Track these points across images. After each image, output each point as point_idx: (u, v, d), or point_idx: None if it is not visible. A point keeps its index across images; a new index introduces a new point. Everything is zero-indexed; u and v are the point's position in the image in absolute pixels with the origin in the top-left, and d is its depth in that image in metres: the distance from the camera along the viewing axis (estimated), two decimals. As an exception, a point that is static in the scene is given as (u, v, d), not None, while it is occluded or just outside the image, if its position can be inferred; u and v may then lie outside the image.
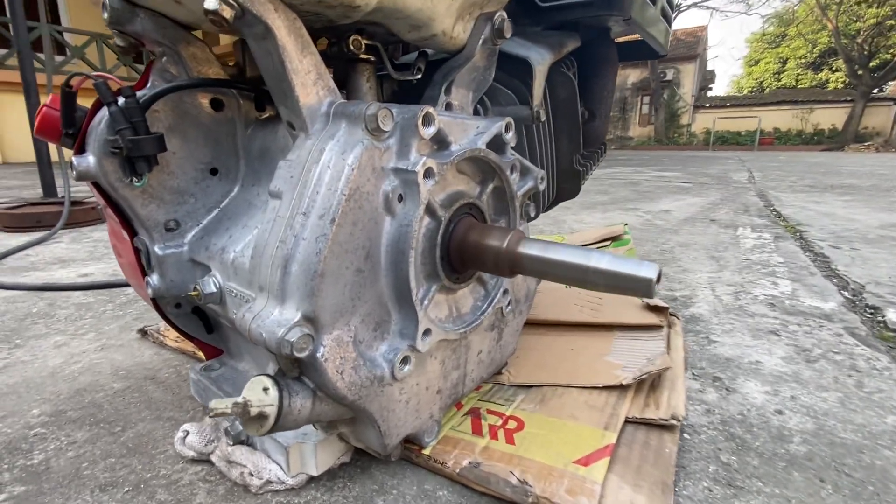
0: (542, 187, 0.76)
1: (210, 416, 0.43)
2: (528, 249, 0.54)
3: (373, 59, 0.59)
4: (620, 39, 0.99)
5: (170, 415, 0.75)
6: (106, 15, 0.54)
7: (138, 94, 0.55)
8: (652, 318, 0.96)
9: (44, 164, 2.50)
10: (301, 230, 0.46)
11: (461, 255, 0.59)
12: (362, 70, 0.59)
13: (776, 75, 28.37)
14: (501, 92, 0.77)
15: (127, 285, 1.39)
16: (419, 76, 0.63)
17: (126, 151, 0.52)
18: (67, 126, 0.55)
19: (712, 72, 25.24)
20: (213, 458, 0.62)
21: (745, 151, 14.98)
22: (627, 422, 0.70)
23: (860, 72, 17.32)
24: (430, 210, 0.56)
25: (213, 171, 0.65)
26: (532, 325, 1.02)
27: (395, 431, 0.57)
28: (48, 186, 2.54)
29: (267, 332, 0.44)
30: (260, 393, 0.45)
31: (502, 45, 0.76)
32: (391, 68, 0.60)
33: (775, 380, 0.87)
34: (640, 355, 0.85)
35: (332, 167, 0.47)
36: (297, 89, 0.48)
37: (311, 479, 0.60)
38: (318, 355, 0.46)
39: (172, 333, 1.01)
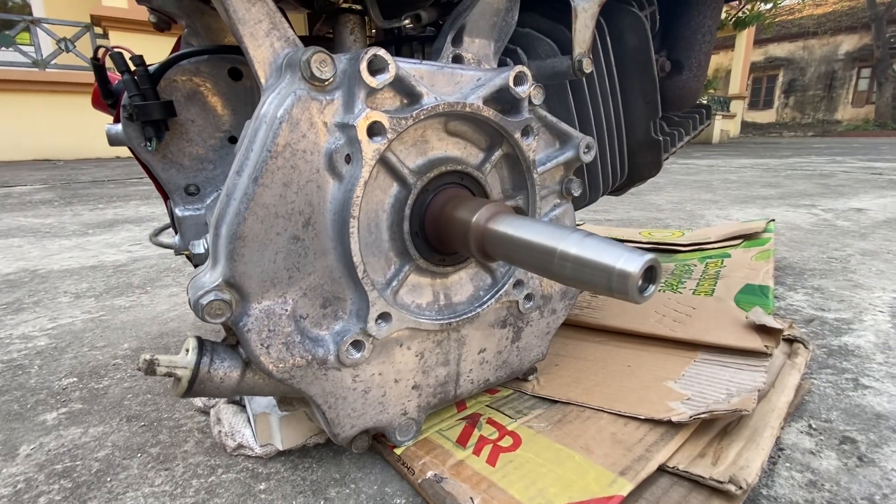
0: (587, 158, 0.62)
1: (137, 370, 0.43)
2: (499, 226, 0.43)
3: (358, 8, 0.53)
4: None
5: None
6: (134, -8, 0.58)
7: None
8: (754, 342, 0.71)
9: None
10: (232, 189, 0.43)
11: (437, 230, 0.50)
12: (345, 21, 0.54)
13: None
14: (539, 41, 0.63)
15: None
16: (406, 21, 0.55)
17: (135, 116, 0.57)
18: (106, 97, 0.61)
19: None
20: (211, 412, 0.66)
21: None
22: (665, 472, 0.52)
23: None
24: (396, 175, 0.49)
25: (233, 140, 0.68)
26: (593, 330, 0.85)
27: (349, 422, 0.51)
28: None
29: (191, 294, 0.43)
30: (182, 353, 0.44)
31: (540, -17, 0.63)
32: (374, 15, 0.53)
33: (959, 461, 0.57)
34: (719, 388, 0.63)
35: (267, 122, 0.43)
36: (247, 41, 0.45)
37: (282, 453, 0.59)
38: (241, 324, 0.43)
39: (246, 295, 1.12)
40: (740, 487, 0.48)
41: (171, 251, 1.66)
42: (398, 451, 0.56)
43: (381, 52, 0.42)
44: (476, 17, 0.56)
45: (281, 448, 0.57)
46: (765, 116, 18.05)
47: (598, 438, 0.56)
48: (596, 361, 0.75)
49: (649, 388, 0.65)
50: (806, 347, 0.76)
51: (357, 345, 0.49)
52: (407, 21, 0.55)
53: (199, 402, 0.68)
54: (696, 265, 1.18)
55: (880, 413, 0.66)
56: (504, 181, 0.59)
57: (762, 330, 0.73)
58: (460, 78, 0.51)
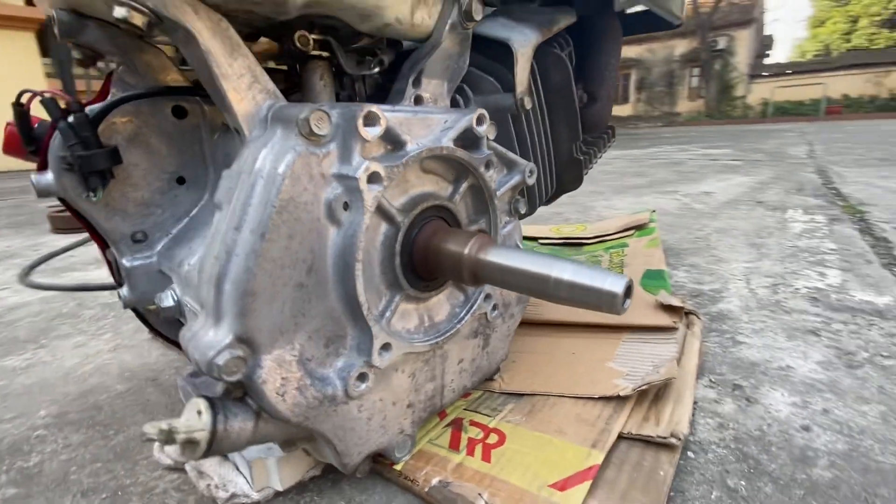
0: (530, 181, 0.70)
1: (143, 441, 0.42)
2: (491, 257, 0.49)
3: (326, 55, 0.55)
4: (628, 11, 0.90)
5: (163, 417, 0.77)
6: (56, 29, 0.53)
7: (91, 108, 0.54)
8: (664, 319, 0.88)
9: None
10: (233, 245, 0.43)
11: (424, 262, 0.55)
12: (314, 68, 0.55)
13: (845, 36, 25.70)
14: (483, 79, 0.71)
15: (150, 284, 1.45)
16: (376, 69, 0.58)
17: (77, 168, 0.52)
18: (28, 144, 0.55)
19: (770, 37, 23.24)
20: (187, 468, 0.62)
21: (809, 122, 13.74)
22: (622, 438, 0.64)
23: (949, 25, 15.32)
24: (386, 216, 0.52)
25: (181, 181, 0.64)
26: (535, 325, 0.96)
27: (356, 450, 0.54)
28: (94, 189, 2.70)
29: (199, 354, 0.43)
30: (194, 416, 0.43)
31: (481, 28, 0.70)
32: (345, 64, 0.56)
33: (807, 389, 0.78)
34: (646, 361, 0.78)
35: (265, 177, 0.44)
36: (230, 95, 0.45)
37: (279, 493, 0.59)
38: (255, 377, 0.44)
39: (178, 335, 1.03)
40: (679, 439, 0.61)
41: (52, 293, 1.44)
42: (398, 467, 0.60)
43: (374, 108, 0.46)
44: (433, 62, 0.61)
45: (281, 489, 0.58)
46: (624, 110, 20.61)
47: (567, 421, 0.66)
48: (545, 353, 0.86)
49: (595, 371, 0.77)
50: (699, 318, 0.95)
51: (362, 377, 0.52)
52: (376, 69, 0.58)
53: (166, 459, 0.64)
54: (602, 255, 1.37)
55: (754, 362, 0.87)
56: (468, 208, 0.65)
57: (668, 308, 0.91)
58: (431, 121, 0.56)
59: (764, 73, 20.21)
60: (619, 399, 0.69)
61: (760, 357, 0.88)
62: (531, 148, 0.77)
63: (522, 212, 0.74)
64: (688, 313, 0.96)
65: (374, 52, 0.59)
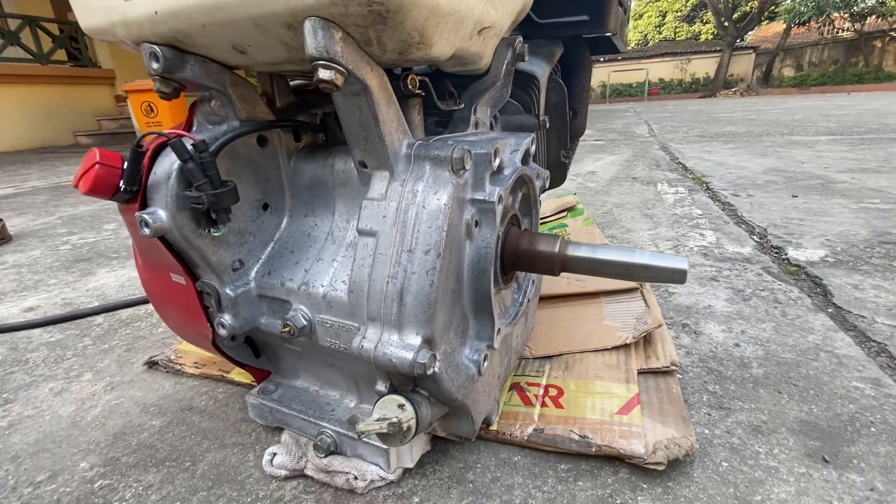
0: (547, 185, 0.87)
1: (360, 437, 0.49)
2: (577, 252, 0.65)
3: (423, 93, 0.64)
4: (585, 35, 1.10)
5: (233, 440, 0.78)
6: (156, 65, 0.53)
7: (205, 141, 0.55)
8: (627, 283, 1.14)
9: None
10: (409, 265, 0.52)
11: (514, 261, 0.68)
12: (413, 105, 0.64)
13: (657, 28, 30.75)
14: (508, 103, 0.85)
15: (94, 314, 1.29)
16: (462, 105, 0.69)
17: (208, 205, 0.53)
18: (132, 184, 0.54)
19: (604, 26, 26.62)
20: (309, 472, 0.68)
21: (637, 102, 16.33)
22: (639, 373, 0.86)
23: (726, 23, 19.39)
24: (491, 227, 0.64)
25: (265, 207, 0.67)
26: (530, 300, 1.15)
27: (479, 417, 0.67)
28: (-78, 207, 2.13)
29: (396, 358, 0.51)
30: (397, 410, 0.52)
31: (508, 61, 0.83)
32: (439, 101, 0.65)
33: (726, 319, 1.10)
34: (628, 316, 1.02)
35: (428, 207, 0.53)
36: (386, 137, 0.53)
37: (406, 471, 0.68)
38: (436, 370, 0.54)
39: (190, 360, 0.99)
40: (676, 366, 0.85)
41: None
42: (493, 428, 0.74)
43: (499, 145, 0.57)
44: (488, 93, 0.73)
45: (411, 465, 0.67)
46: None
47: (598, 368, 0.87)
48: (551, 322, 1.05)
49: (598, 328, 0.99)
50: (645, 278, 1.24)
51: (486, 358, 0.64)
52: (462, 105, 0.68)
53: (282, 470, 0.68)
54: (549, 235, 1.62)
55: (688, 305, 1.18)
56: (519, 212, 0.80)
57: (629, 274, 1.17)
58: (505, 146, 0.69)
59: (601, 59, 23.22)
60: (626, 346, 0.92)
61: (690, 301, 1.20)
62: (537, 157, 0.93)
63: (539, 209, 0.90)
64: (638, 275, 1.24)
65: (446, 86, 0.69)
